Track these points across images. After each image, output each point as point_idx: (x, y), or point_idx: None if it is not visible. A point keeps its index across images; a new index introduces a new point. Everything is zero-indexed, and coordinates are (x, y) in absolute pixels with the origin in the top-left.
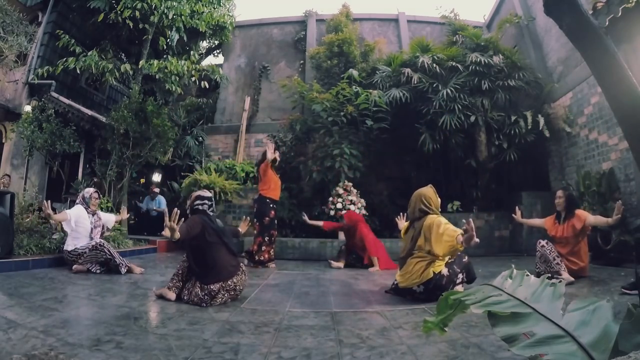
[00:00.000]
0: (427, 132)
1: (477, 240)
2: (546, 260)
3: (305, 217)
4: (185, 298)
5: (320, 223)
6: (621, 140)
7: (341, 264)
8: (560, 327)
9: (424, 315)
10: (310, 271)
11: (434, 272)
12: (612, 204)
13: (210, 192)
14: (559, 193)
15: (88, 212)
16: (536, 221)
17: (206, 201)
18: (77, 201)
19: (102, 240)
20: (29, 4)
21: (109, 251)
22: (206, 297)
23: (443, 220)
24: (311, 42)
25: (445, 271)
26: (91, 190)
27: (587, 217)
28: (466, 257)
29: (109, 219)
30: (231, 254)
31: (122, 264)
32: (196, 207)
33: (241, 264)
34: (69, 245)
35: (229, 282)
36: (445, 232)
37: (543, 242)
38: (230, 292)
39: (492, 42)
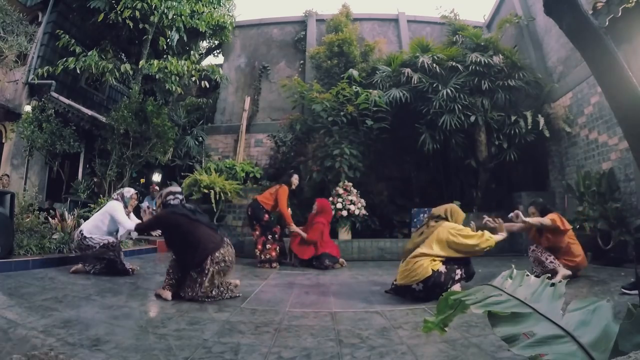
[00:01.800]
0: (427, 132)
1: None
2: (540, 262)
3: (293, 227)
4: (189, 295)
5: (303, 235)
6: (621, 140)
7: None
8: (560, 327)
9: (424, 315)
10: (310, 271)
11: (432, 270)
12: (613, 204)
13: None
14: (531, 209)
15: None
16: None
17: (177, 195)
18: (115, 197)
19: (116, 241)
20: (29, 4)
21: (118, 254)
22: (201, 275)
23: (462, 231)
24: (311, 42)
25: (442, 268)
26: (132, 191)
27: (544, 219)
28: None
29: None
30: (211, 229)
31: (130, 269)
32: (168, 201)
33: (225, 237)
34: (87, 231)
35: (217, 255)
36: (476, 242)
37: (533, 247)
38: (220, 264)
39: (492, 42)
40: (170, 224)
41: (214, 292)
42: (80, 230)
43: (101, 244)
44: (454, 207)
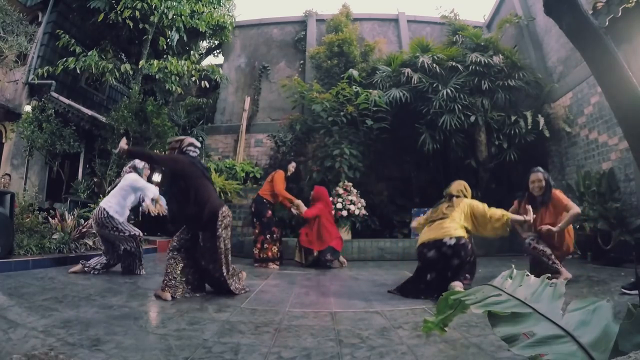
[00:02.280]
0: (427, 132)
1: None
2: (540, 263)
3: (296, 201)
4: (224, 279)
5: (303, 208)
6: (621, 140)
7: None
8: (560, 327)
9: (424, 315)
10: (310, 271)
11: (463, 236)
12: (613, 204)
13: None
14: (539, 176)
15: None
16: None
17: (197, 150)
18: (128, 170)
19: (142, 235)
20: (29, 4)
21: (140, 247)
22: (214, 233)
23: (483, 204)
24: (311, 42)
25: (468, 242)
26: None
27: (568, 203)
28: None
29: (153, 190)
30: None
31: (143, 266)
32: (187, 151)
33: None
34: (114, 211)
35: (224, 209)
36: (493, 215)
37: (533, 243)
38: (227, 218)
39: (492, 42)
40: (186, 170)
41: (230, 270)
42: (103, 209)
43: (131, 233)
44: (464, 183)
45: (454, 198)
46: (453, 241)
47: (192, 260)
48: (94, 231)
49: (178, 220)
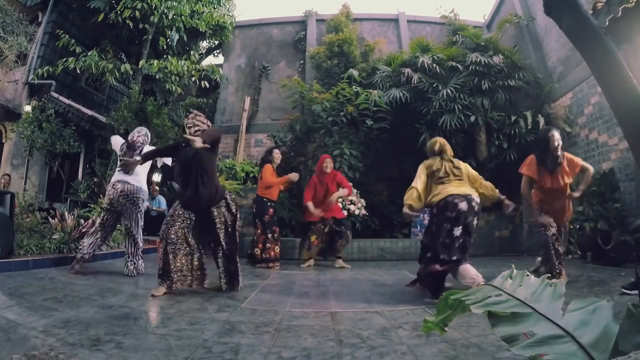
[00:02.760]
0: (427, 132)
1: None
2: (548, 261)
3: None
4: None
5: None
6: (621, 140)
7: (311, 262)
8: (560, 327)
9: (424, 315)
10: (310, 271)
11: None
12: (613, 204)
13: None
14: (557, 135)
15: None
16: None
17: None
18: (144, 140)
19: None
20: (29, 4)
21: (141, 241)
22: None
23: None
24: (311, 42)
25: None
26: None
27: (580, 160)
28: None
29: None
30: None
31: (143, 260)
32: None
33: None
34: (142, 185)
35: (227, 193)
36: (483, 181)
37: (552, 240)
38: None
39: (492, 42)
40: (217, 142)
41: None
42: (140, 188)
43: (141, 223)
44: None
45: (453, 160)
46: (478, 200)
47: (200, 243)
48: (109, 204)
49: (188, 197)
